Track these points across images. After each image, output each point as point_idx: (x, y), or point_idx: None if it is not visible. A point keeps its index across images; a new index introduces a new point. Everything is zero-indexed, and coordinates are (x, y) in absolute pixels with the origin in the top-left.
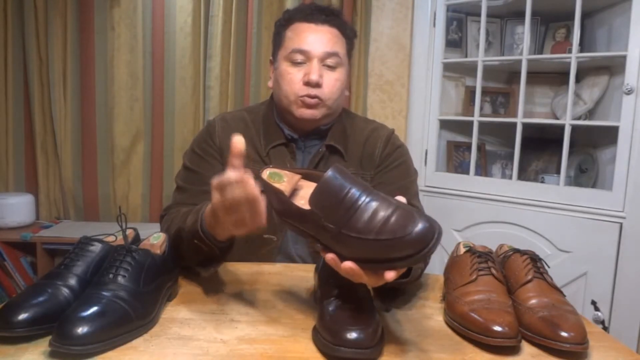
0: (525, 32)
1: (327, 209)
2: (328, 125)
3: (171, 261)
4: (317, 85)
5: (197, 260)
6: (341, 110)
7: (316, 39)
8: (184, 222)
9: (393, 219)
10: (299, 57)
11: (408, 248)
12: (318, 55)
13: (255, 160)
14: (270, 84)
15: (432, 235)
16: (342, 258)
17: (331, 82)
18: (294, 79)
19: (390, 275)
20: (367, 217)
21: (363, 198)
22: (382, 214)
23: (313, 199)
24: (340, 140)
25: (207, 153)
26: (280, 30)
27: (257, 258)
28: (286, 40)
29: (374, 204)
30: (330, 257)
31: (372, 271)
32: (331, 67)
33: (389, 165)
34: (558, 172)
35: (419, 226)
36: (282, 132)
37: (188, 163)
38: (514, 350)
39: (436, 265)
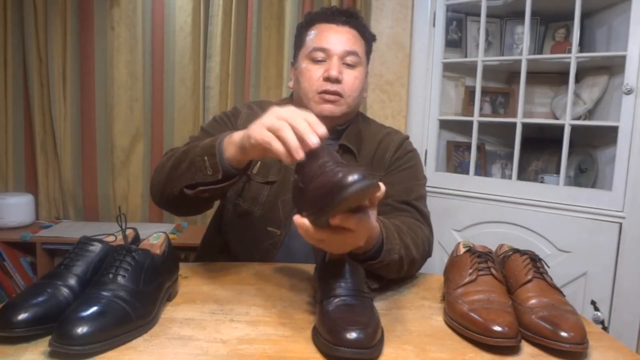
0: (524, 32)
1: (304, 172)
2: (344, 126)
3: (171, 261)
4: (337, 80)
5: (188, 181)
6: (357, 112)
7: (337, 38)
8: (200, 143)
9: (339, 174)
10: (320, 55)
11: (338, 189)
12: (338, 53)
13: None
14: (290, 84)
15: (356, 180)
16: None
17: (350, 80)
18: (313, 76)
19: (335, 220)
20: (325, 178)
21: (331, 166)
22: (334, 173)
23: (298, 164)
24: (354, 141)
25: (227, 125)
26: (302, 31)
27: (259, 252)
28: (307, 40)
29: (337, 169)
30: (296, 219)
31: (319, 224)
32: (350, 66)
33: (397, 168)
34: (558, 172)
35: (349, 177)
36: None
37: (205, 126)
38: (514, 350)
39: (436, 265)
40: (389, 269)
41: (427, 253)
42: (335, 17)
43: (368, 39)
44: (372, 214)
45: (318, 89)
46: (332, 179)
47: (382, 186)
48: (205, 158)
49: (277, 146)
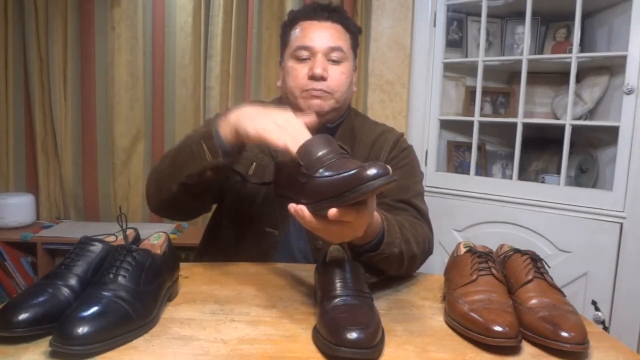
0: (525, 32)
1: (308, 158)
2: (335, 124)
3: (172, 261)
4: (322, 78)
5: (188, 171)
6: (349, 108)
7: (320, 35)
8: (193, 132)
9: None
10: (304, 53)
11: (357, 182)
12: (322, 50)
13: (264, 153)
14: (279, 83)
15: (377, 175)
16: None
17: (337, 75)
18: (298, 74)
19: (332, 213)
20: (335, 167)
21: (336, 158)
22: (346, 164)
23: (301, 149)
24: (348, 140)
25: None
26: (286, 30)
27: (258, 253)
28: (291, 38)
29: (344, 161)
30: (291, 206)
31: (319, 213)
32: (335, 62)
33: (393, 167)
34: (558, 172)
35: (372, 169)
36: None
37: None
38: (514, 350)
39: (436, 265)
40: (389, 263)
41: (428, 250)
42: (318, 14)
43: (353, 31)
44: (371, 204)
45: (304, 88)
46: (347, 171)
47: None
48: (202, 142)
49: (277, 134)
